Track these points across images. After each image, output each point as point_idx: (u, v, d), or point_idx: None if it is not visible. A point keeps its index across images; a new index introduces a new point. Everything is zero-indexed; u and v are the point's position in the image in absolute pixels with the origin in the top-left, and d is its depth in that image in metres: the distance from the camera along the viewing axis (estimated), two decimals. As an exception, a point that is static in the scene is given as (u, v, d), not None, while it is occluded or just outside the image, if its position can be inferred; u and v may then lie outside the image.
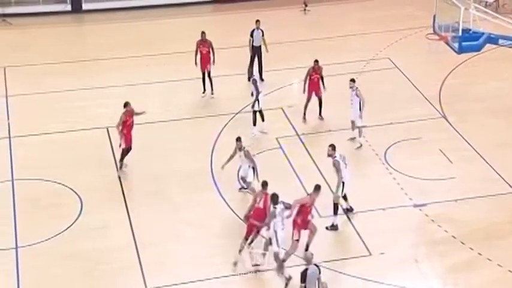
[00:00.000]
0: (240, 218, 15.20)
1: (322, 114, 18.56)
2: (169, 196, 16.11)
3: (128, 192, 16.14)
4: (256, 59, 20.33)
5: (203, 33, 19.73)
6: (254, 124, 18.13)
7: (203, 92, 19.77)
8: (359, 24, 23.59)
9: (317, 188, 14.18)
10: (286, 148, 17.51)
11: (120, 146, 16.78)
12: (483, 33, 17.86)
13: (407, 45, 22.10)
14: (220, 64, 21.13)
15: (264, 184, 14.19)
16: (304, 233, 14.18)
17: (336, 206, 15.13)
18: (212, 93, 19.78)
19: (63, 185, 16.29)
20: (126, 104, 16.90)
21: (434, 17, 18.79)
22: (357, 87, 17.53)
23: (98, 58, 21.82)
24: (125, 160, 16.82)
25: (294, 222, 14.00)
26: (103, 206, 15.73)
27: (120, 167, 16.81)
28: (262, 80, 20.40)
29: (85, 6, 25.01)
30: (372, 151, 17.40)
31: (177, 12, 24.86)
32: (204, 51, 19.60)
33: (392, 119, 18.27)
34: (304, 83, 18.35)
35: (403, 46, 22.12)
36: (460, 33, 17.60)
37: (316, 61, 18.32)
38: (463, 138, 17.74)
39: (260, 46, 20.18)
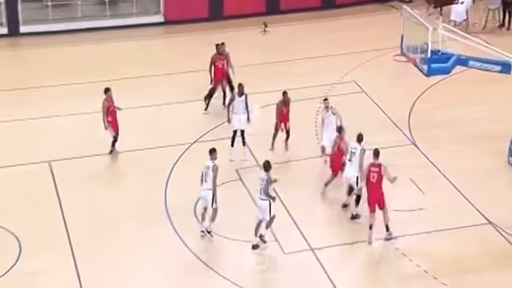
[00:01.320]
0: (196, 256, 15.47)
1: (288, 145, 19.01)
2: (120, 233, 16.30)
3: (72, 231, 16.27)
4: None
5: (218, 45, 20.26)
6: (243, 144, 18.59)
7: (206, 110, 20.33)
8: (322, 46, 24.15)
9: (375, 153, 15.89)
10: (247, 180, 17.89)
11: (111, 132, 18.25)
12: (452, 55, 18.59)
13: (374, 68, 22.71)
14: (175, 90, 21.54)
15: (340, 129, 16.99)
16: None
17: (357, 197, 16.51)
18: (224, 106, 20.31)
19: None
20: (107, 90, 18.28)
21: (401, 37, 19.47)
22: (331, 106, 18.04)
23: (37, 86, 21.95)
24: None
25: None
26: (45, 247, 15.78)
27: (111, 152, 18.44)
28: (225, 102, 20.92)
29: (23, 29, 25.12)
30: (335, 181, 17.78)
31: (124, 35, 25.15)
32: (220, 65, 20.17)
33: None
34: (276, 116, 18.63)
35: (369, 69, 22.71)
36: (429, 55, 18.31)
37: (285, 93, 18.70)
38: (434, 166, 18.33)
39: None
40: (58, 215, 16.71)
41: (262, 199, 15.61)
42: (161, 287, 15.01)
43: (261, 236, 15.81)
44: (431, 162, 18.49)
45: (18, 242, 15.85)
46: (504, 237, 16.06)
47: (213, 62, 20.33)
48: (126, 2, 26.46)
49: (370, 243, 15.91)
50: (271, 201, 15.63)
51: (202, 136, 19.57)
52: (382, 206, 15.93)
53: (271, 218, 15.75)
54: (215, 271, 15.26)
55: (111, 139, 18.66)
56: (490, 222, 16.49)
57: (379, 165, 15.80)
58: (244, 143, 18.75)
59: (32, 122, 20.18)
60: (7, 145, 19.21)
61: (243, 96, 18.52)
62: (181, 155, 18.88)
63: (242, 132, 18.64)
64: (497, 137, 19.02)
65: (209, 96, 20.45)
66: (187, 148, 19.19)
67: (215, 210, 15.94)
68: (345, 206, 16.84)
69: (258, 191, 15.71)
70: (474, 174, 18.03)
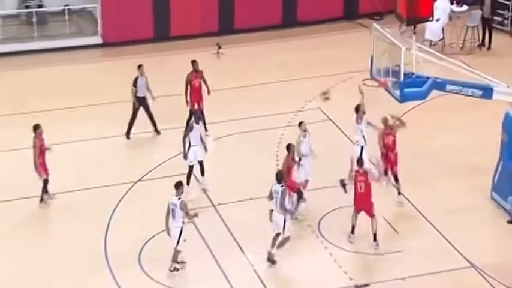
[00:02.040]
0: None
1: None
2: (65, 276, 16.30)
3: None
4: (145, 113, 20.91)
5: (194, 62, 20.59)
6: (202, 174, 18.71)
7: None
8: (283, 69, 24.50)
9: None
10: (201, 223, 17.93)
11: (41, 175, 18.07)
12: (428, 78, 18.99)
13: (341, 93, 22.79)
14: (114, 122, 21.61)
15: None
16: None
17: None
18: (206, 132, 20.41)
19: None
20: (36, 127, 18.19)
21: (371, 59, 19.84)
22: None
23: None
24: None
25: None
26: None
27: (41, 200, 18.26)
28: (158, 133, 21.05)
29: None
30: (303, 221, 18.04)
31: (55, 59, 25.16)
32: (197, 83, 20.45)
33: (326, 182, 18.92)
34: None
35: (336, 94, 22.69)
36: (402, 78, 18.71)
37: (289, 146, 17.89)
38: (410, 202, 18.63)
39: (145, 96, 20.83)
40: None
41: (279, 213, 16.39)
42: None
43: (269, 256, 16.42)
44: (407, 198, 18.77)
45: None
46: (488, 282, 16.33)
47: (189, 81, 20.60)
48: (57, 22, 26.50)
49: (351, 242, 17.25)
50: (288, 216, 16.31)
51: (147, 174, 19.69)
52: (369, 214, 17.05)
53: (285, 239, 16.39)
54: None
55: (42, 184, 18.44)
56: (472, 266, 16.78)
57: (365, 174, 16.94)
58: (203, 173, 18.86)
59: None
60: None
61: (201, 123, 18.77)
62: (123, 196, 18.94)
63: (200, 162, 18.75)
64: (480, 169, 19.47)
65: (187, 121, 20.51)
66: (130, 188, 19.27)
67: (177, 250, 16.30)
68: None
69: (274, 204, 16.42)
70: (454, 211, 18.38)
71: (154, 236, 17.07)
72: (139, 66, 20.90)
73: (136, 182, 19.44)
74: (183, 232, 16.20)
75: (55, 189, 18.89)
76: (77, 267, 16.68)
